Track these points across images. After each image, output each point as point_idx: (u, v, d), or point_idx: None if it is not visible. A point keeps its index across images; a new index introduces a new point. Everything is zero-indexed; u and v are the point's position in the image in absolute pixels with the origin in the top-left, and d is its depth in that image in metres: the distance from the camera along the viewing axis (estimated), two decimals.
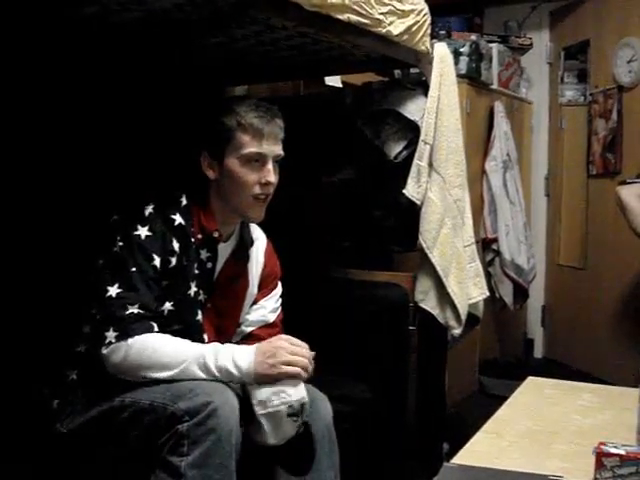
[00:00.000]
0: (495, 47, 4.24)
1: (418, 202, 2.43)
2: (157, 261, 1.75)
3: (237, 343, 1.99)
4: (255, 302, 2.07)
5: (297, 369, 1.69)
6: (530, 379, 2.12)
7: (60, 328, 1.90)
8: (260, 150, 1.83)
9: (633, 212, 3.08)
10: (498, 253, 4.06)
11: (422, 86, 2.50)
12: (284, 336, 1.78)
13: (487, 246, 4.05)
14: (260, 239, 2.08)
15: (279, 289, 2.12)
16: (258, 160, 1.84)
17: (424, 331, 2.51)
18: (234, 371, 1.66)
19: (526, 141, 4.77)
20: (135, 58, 2.43)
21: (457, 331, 2.50)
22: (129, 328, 1.67)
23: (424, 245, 2.43)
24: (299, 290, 2.55)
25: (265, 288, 2.09)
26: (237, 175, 1.83)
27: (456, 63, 3.55)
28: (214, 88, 2.87)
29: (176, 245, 1.80)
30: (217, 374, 1.66)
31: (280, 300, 2.12)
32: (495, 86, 4.22)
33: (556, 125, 4.79)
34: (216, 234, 1.88)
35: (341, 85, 3.10)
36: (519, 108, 4.61)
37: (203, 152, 1.88)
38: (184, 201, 1.85)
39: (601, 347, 4.16)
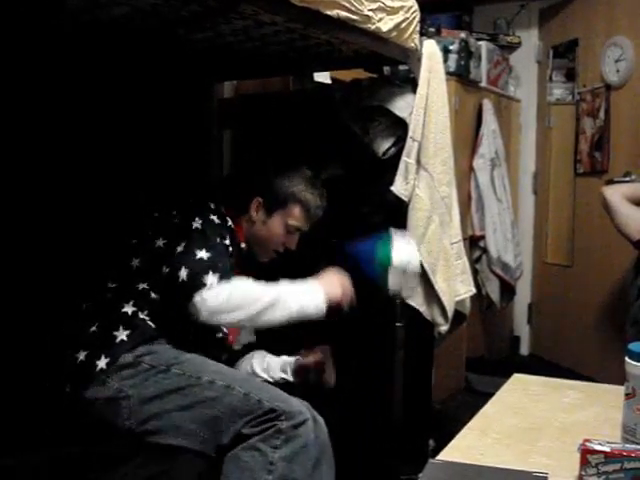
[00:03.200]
0: (484, 45, 4.25)
1: (406, 199, 2.43)
2: (227, 241, 2.03)
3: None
4: None
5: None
6: (516, 376, 2.13)
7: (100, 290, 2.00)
8: (302, 227, 2.24)
9: (617, 212, 3.08)
10: (485, 250, 4.07)
11: (411, 83, 2.50)
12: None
13: (474, 243, 4.06)
14: None
15: None
16: (294, 232, 2.22)
17: (411, 328, 2.52)
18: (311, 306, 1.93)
19: (514, 139, 4.78)
20: (121, 54, 2.42)
21: (444, 328, 2.50)
22: (228, 274, 1.91)
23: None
24: None
25: None
26: (273, 233, 2.20)
27: (445, 60, 3.56)
28: (202, 84, 2.86)
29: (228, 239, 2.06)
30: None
31: None
32: (484, 84, 4.22)
33: (544, 123, 4.80)
34: (243, 245, 2.19)
35: (330, 81, 3.10)
36: (507, 106, 4.62)
37: (257, 197, 2.19)
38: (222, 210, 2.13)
39: (587, 344, 4.18)
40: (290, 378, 2.21)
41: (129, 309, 1.93)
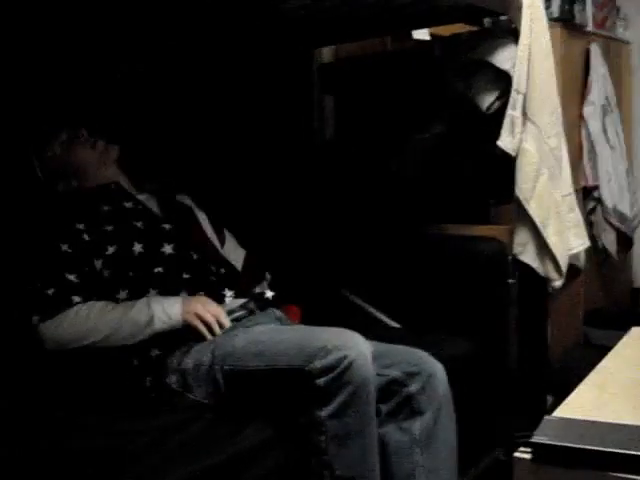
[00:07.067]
0: None
1: (513, 153, 2.39)
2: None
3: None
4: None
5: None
6: (635, 329, 2.06)
7: None
8: (81, 134, 2.16)
9: None
10: (600, 201, 3.95)
11: (513, 34, 2.44)
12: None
13: (588, 194, 3.94)
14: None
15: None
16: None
17: (524, 284, 2.48)
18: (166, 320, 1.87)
19: (625, 83, 4.58)
20: (217, 28, 2.45)
21: (558, 283, 2.46)
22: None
23: (521, 197, 2.39)
24: (395, 249, 2.56)
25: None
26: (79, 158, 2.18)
27: (548, 7, 3.44)
28: (301, 51, 2.87)
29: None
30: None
31: None
32: (590, 28, 4.06)
33: None
34: (113, 186, 2.16)
35: (429, 38, 3.05)
36: (617, 49, 4.43)
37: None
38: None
39: None
40: None
41: None
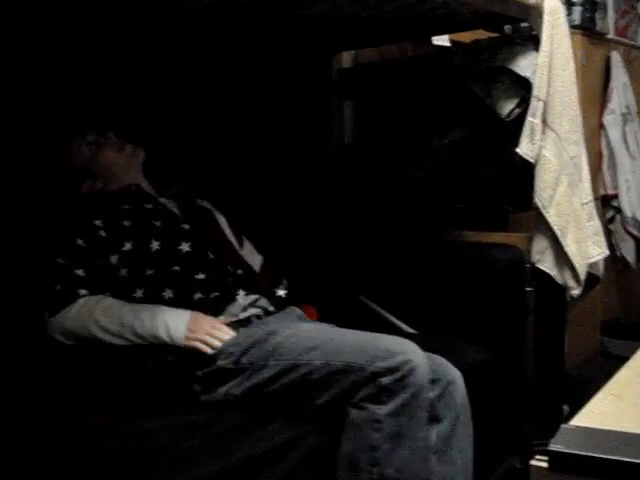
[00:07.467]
0: None
1: (532, 160, 2.38)
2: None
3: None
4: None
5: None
6: None
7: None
8: (101, 138, 2.21)
9: None
10: (619, 210, 3.93)
11: (533, 41, 2.43)
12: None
13: (607, 203, 3.92)
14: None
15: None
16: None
17: (542, 292, 2.47)
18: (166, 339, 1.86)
19: None
20: (236, 34, 2.45)
21: (576, 292, 2.44)
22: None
23: (540, 204, 2.38)
24: (412, 255, 2.55)
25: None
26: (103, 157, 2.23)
27: (569, 14, 3.43)
28: (321, 56, 2.88)
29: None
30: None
31: None
32: (611, 35, 4.05)
33: None
34: (133, 187, 2.19)
35: (449, 44, 3.05)
36: (638, 57, 4.41)
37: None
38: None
39: None
40: None
41: None
